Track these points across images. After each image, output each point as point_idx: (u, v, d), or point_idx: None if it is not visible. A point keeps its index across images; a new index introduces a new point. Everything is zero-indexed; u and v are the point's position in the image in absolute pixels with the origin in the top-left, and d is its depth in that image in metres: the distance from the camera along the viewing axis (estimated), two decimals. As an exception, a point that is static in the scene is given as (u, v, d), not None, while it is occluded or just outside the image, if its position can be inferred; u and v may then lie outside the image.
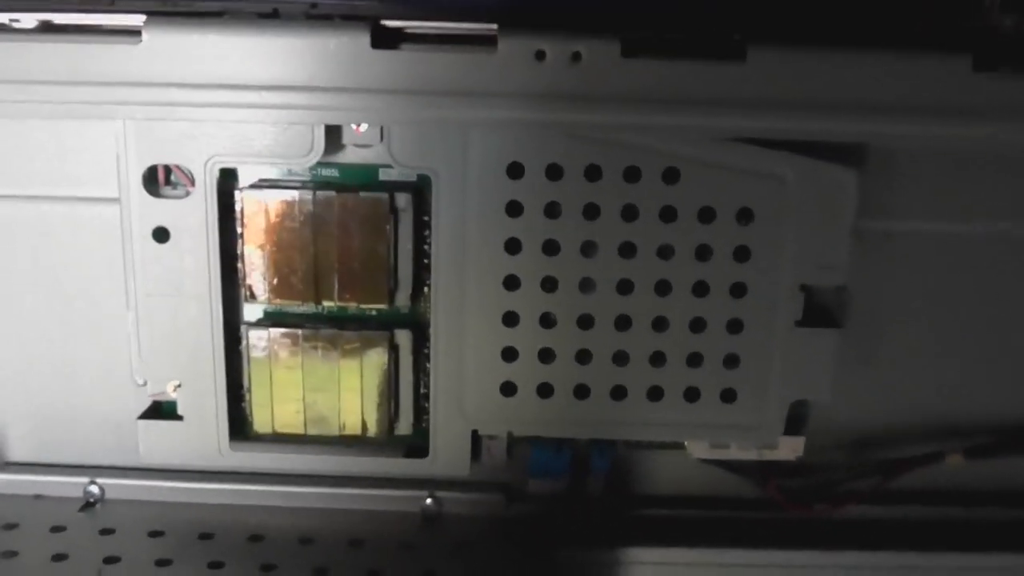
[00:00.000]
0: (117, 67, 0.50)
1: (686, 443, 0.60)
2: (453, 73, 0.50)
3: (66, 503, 0.62)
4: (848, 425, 0.63)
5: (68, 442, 0.64)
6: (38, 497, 0.63)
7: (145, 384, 0.57)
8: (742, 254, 0.54)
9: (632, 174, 0.52)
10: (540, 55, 0.50)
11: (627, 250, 0.54)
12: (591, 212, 0.53)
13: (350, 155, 0.55)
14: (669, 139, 0.52)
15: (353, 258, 0.54)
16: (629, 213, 0.53)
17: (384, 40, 0.50)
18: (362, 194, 0.54)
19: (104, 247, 0.58)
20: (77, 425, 0.64)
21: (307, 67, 0.50)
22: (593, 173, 0.53)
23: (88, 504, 0.63)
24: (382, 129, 0.52)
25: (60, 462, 0.64)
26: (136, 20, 0.50)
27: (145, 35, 0.50)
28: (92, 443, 0.64)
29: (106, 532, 0.60)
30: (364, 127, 0.53)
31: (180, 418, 0.57)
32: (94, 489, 0.63)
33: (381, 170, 0.55)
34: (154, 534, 0.60)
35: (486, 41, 0.50)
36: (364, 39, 0.50)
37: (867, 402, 0.63)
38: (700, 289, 0.55)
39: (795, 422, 0.58)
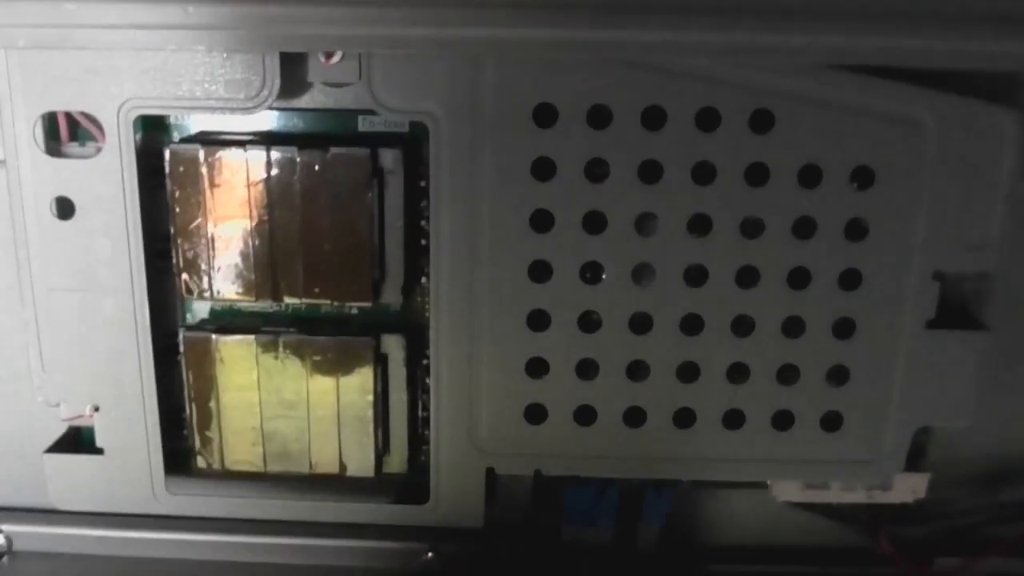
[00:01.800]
0: (-10, -27, 0.44)
1: (769, 481, 0.53)
2: (458, -25, 0.43)
3: (-38, 557, 0.56)
4: (981, 456, 0.56)
5: (-36, 477, 0.57)
6: (-74, 549, 0.57)
7: (58, 405, 0.51)
8: (857, 230, 0.46)
9: (707, 119, 0.45)
10: (578, -52, 0.43)
11: (699, 225, 0.46)
12: (650, 172, 0.46)
13: (318, 97, 0.48)
14: (758, 67, 0.44)
15: (324, 238, 0.47)
16: (703, 174, 0.46)
17: (362, -73, 0.43)
18: (333, 151, 0.47)
19: (-7, 224, 0.52)
20: (-25, 455, 0.57)
21: (253, -33, 0.43)
22: (653, 118, 0.45)
23: (-9, 557, 0.56)
24: (361, 59, 0.45)
25: (-46, 503, 0.58)
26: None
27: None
28: (-5, 478, 0.57)
29: (12, 596, 0.54)
30: (337, 56, 0.45)
31: (100, 451, 0.51)
32: (-2, 539, 0.57)
33: (361, 118, 0.49)
34: (74, 598, 0.54)
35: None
36: (333, -75, 0.43)
37: (1007, 426, 0.55)
38: (798, 278, 0.47)
39: (913, 454, 0.51)
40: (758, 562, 0.57)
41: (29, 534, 0.56)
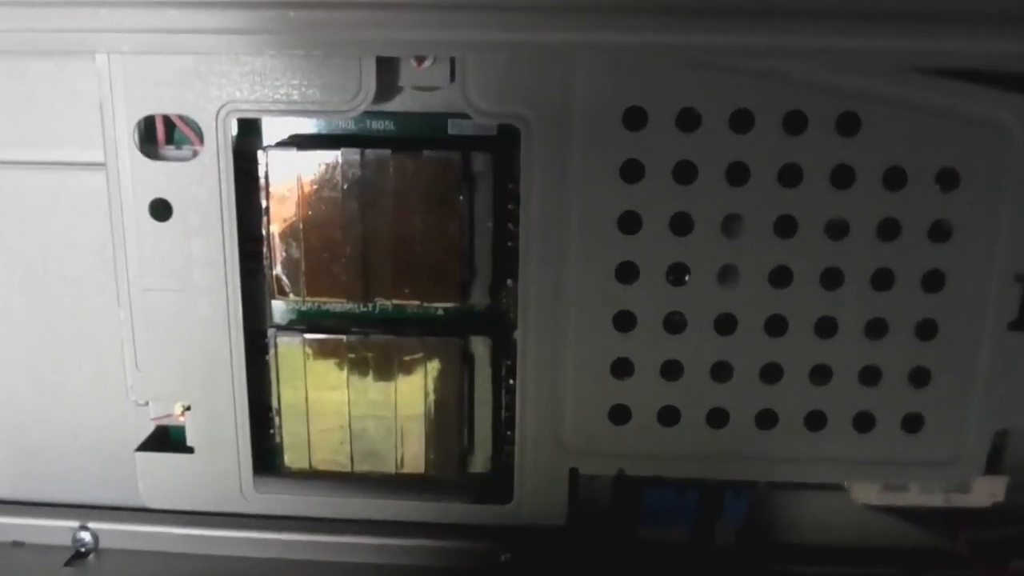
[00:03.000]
0: (95, -20, 0.43)
1: (847, 484, 0.52)
2: (551, -21, 0.42)
3: (50, 553, 0.55)
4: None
5: (53, 475, 0.57)
6: (16, 544, 0.56)
7: (147, 404, 0.52)
8: (941, 232, 0.46)
9: (794, 122, 0.44)
10: (669, -48, 0.42)
11: (784, 227, 0.46)
12: (737, 175, 0.45)
13: (410, 101, 0.48)
14: (846, 70, 0.43)
15: (414, 240, 0.47)
16: (789, 176, 0.45)
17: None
18: (426, 153, 0.46)
19: (90, 227, 0.51)
20: (64, 454, 0.56)
21: (350, -25, 0.43)
22: (741, 121, 0.44)
23: (78, 554, 0.55)
24: (453, 63, 0.45)
25: (43, 500, 0.57)
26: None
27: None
28: (83, 477, 0.56)
29: (99, 594, 0.53)
30: (429, 61, 0.45)
31: (190, 450, 0.51)
32: (85, 536, 0.55)
33: (451, 121, 0.48)
34: (159, 595, 0.53)
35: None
36: (428, -66, 0.42)
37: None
38: (881, 280, 0.46)
39: (991, 457, 0.50)
40: (834, 563, 0.56)
41: (115, 531, 0.55)
